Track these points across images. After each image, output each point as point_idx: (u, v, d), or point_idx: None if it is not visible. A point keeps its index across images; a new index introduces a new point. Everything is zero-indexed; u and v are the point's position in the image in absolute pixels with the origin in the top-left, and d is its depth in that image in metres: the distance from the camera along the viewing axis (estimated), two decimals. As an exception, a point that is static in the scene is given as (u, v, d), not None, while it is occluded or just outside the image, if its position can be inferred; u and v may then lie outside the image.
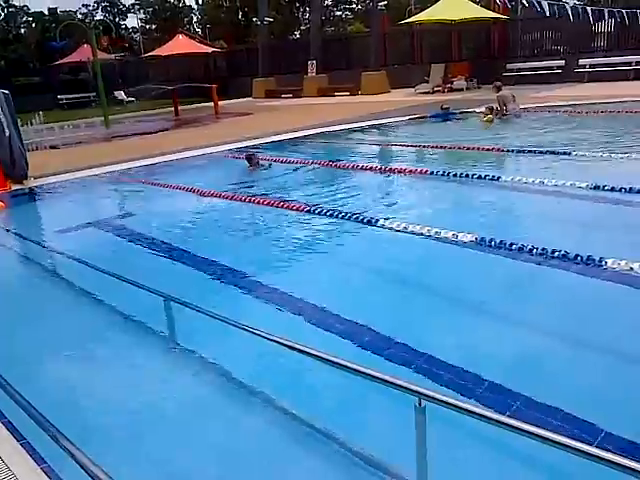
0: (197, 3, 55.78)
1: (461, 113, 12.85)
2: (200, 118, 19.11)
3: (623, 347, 3.14)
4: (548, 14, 13.63)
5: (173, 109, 21.41)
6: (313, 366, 2.82)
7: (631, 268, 3.78)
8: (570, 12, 13.82)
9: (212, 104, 20.00)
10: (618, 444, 2.26)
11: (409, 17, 22.67)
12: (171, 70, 33.21)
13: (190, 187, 7.75)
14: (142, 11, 54.48)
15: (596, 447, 1.71)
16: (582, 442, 1.73)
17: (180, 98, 22.39)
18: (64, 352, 3.58)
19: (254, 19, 29.87)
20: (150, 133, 16.02)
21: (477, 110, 13.13)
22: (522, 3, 14.09)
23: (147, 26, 55.75)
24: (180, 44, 28.59)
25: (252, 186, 7.80)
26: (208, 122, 17.98)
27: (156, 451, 2.61)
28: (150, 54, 32.42)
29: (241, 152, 10.81)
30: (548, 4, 13.67)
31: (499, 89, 12.37)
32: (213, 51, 31.91)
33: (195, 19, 57.67)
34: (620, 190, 5.76)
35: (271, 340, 2.74)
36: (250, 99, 27.39)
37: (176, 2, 55.30)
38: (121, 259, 5.30)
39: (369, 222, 5.43)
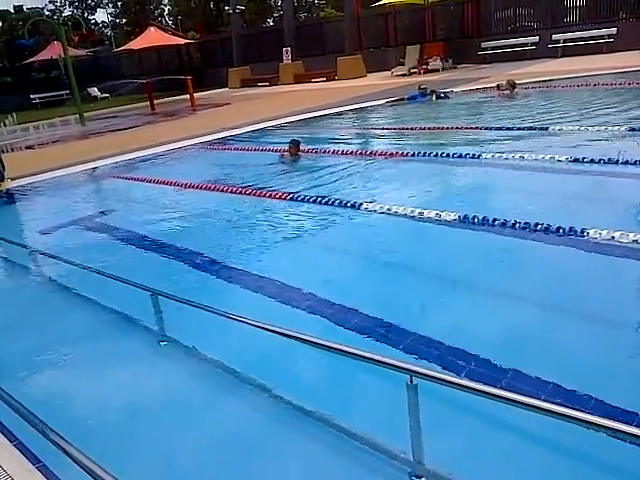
0: (167, -6, 54.99)
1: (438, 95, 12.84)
2: (176, 111, 18.91)
3: (609, 315, 3.18)
4: None
5: (149, 103, 21.15)
6: (304, 351, 2.83)
7: (612, 237, 3.83)
8: None
9: (188, 96, 19.80)
10: (608, 412, 2.29)
11: (382, -1, 22.53)
12: (144, 64, 32.81)
13: (170, 180, 7.68)
14: (111, 5, 53.56)
15: (586, 412, 1.73)
16: (571, 408, 1.75)
17: (155, 92, 22.13)
18: (52, 351, 3.56)
19: (226, 8, 29.51)
20: (127, 128, 15.84)
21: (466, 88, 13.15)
22: None
23: (117, 20, 54.84)
24: (152, 37, 28.20)
25: (232, 176, 7.76)
26: (185, 114, 17.81)
27: (152, 444, 2.60)
28: (122, 48, 31.99)
29: (221, 143, 10.75)
30: None
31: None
32: (186, 42, 31.56)
33: (166, 11, 56.88)
34: (599, 162, 5.83)
35: (260, 327, 2.74)
36: (226, 89, 27.17)
37: (145, -6, 54.43)
38: (105, 256, 5.25)
39: (352, 206, 5.44)
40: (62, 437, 2.20)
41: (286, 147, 8.23)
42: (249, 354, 3.20)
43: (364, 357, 2.26)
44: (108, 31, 52.07)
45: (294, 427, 2.57)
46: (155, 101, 21.37)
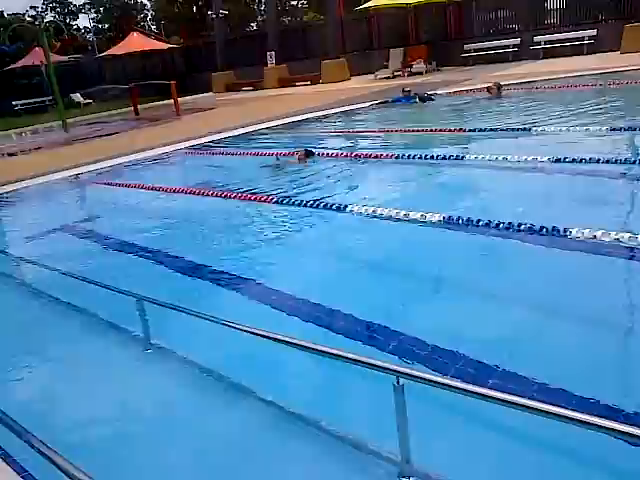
0: (150, 0, 54.81)
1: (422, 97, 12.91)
2: (161, 116, 18.84)
3: (593, 313, 3.22)
4: None
5: (132, 108, 21.05)
6: (292, 355, 2.83)
7: (594, 236, 3.87)
8: None
9: (172, 101, 19.73)
10: (594, 409, 2.31)
11: (365, 3, 22.63)
12: (128, 69, 32.63)
13: (155, 186, 7.65)
14: (93, 10, 53.27)
15: (572, 410, 1.75)
16: (557, 406, 1.77)
17: (139, 97, 22.02)
18: (36, 359, 3.53)
19: (209, 12, 29.47)
20: (111, 134, 15.74)
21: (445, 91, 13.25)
22: None
23: (100, 26, 54.56)
24: (135, 42, 28.10)
25: (218, 180, 7.75)
26: (169, 119, 17.74)
27: (139, 452, 2.59)
28: (105, 54, 31.81)
29: (206, 147, 10.73)
30: None
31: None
32: (169, 47, 31.46)
33: (149, 16, 56.68)
34: (580, 161, 5.90)
35: (247, 332, 2.73)
36: (210, 94, 27.12)
37: (128, 0, 54.24)
38: (90, 262, 5.21)
39: (338, 209, 5.45)
40: (48, 446, 2.18)
41: (296, 151, 8.14)
42: (236, 359, 3.19)
43: (351, 359, 2.27)
44: (91, 37, 51.73)
45: (283, 431, 2.57)
46: (139, 106, 21.27)
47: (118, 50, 28.80)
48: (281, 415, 2.62)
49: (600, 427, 1.69)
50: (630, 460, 2.06)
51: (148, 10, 56.13)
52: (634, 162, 5.84)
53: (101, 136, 15.67)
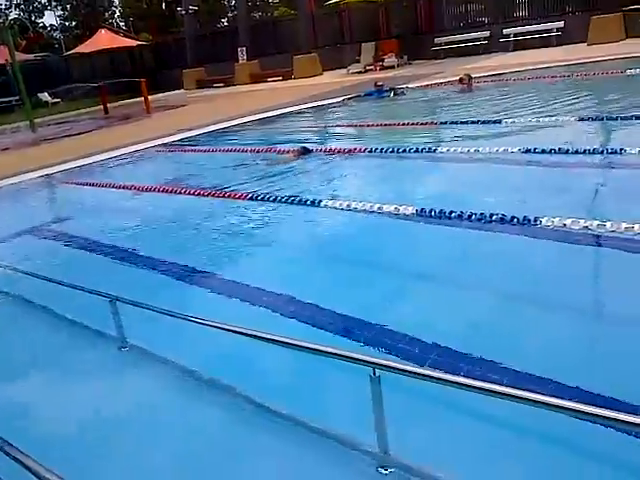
0: (118, -4, 53.89)
1: (395, 89, 12.95)
2: (131, 114, 18.59)
3: (565, 300, 3.27)
4: None
5: (102, 107, 20.73)
6: (268, 350, 2.82)
7: (564, 224, 3.94)
8: None
9: (142, 99, 19.48)
10: (572, 395, 2.34)
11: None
12: (96, 67, 32.12)
13: (127, 184, 7.55)
14: (60, 7, 52.21)
15: (550, 396, 1.77)
16: (533, 392, 1.79)
17: (108, 95, 21.70)
18: (6, 362, 3.46)
19: (178, 9, 29.14)
20: (80, 133, 15.48)
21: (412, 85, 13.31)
22: None
23: (66, 23, 53.50)
24: (103, 39, 27.67)
25: (191, 178, 7.68)
26: (140, 117, 17.53)
27: (117, 453, 2.55)
28: (72, 52, 31.23)
29: (177, 145, 10.63)
30: None
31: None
32: (138, 44, 31.03)
33: (117, 13, 55.76)
34: (550, 152, 5.98)
35: (222, 329, 2.72)
36: (181, 91, 26.86)
37: (95, -4, 53.24)
38: (61, 264, 5.13)
39: (313, 203, 5.44)
40: (21, 451, 2.13)
41: (292, 148, 8.04)
42: (212, 356, 3.17)
43: (327, 352, 2.28)
44: (57, 34, 50.71)
45: (261, 427, 2.56)
46: (109, 105, 20.96)
47: (86, 48, 28.32)
48: (258, 411, 2.62)
49: (574, 411, 1.72)
50: (610, 444, 2.10)
51: (116, 7, 55.21)
52: (602, 152, 5.95)
53: (70, 135, 15.41)
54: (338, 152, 7.76)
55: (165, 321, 3.12)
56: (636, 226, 3.72)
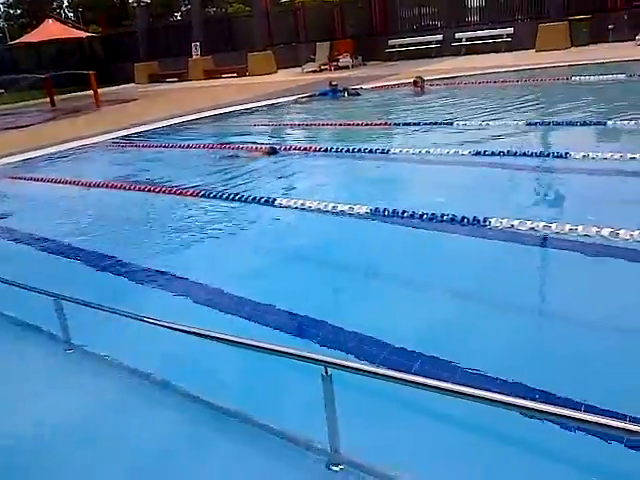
0: (66, -15, 52.23)
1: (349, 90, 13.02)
2: (79, 107, 18.05)
3: (514, 299, 3.36)
4: None
5: (48, 99, 20.04)
6: (219, 350, 2.79)
7: (512, 225, 4.05)
8: None
9: (92, 92, 18.94)
10: (520, 392, 2.40)
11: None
12: (43, 58, 31.06)
13: (74, 180, 7.32)
14: (4, -6, 50.17)
15: (499, 393, 1.81)
16: (483, 390, 1.83)
17: (56, 87, 21.00)
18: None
19: (130, 1, 28.46)
20: (25, 126, 14.92)
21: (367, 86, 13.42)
22: None
23: (11, 11, 51.48)
24: (50, 29, 26.66)
25: (142, 174, 7.51)
26: (89, 111, 17.04)
27: (62, 459, 2.47)
28: (18, 41, 30.03)
29: (128, 140, 10.38)
30: None
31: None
32: (88, 36, 30.08)
33: (65, 2, 54.01)
34: (499, 154, 6.14)
35: (172, 328, 2.67)
36: (133, 85, 26.26)
37: (41, -16, 51.41)
38: (3, 261, 4.93)
39: (267, 202, 5.41)
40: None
41: (260, 146, 7.90)
42: (163, 356, 3.11)
43: (280, 352, 2.26)
44: (1, 23, 48.73)
45: (213, 427, 2.53)
46: (56, 97, 20.29)
47: (32, 37, 27.26)
48: (208, 411, 2.58)
49: (520, 407, 1.77)
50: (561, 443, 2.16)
51: (64, -4, 53.47)
52: (548, 155, 6.15)
53: (14, 128, 14.83)
54: (294, 150, 7.75)
55: (113, 320, 3.04)
56: (580, 227, 3.86)
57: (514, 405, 1.78)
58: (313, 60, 21.82)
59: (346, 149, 7.29)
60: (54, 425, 2.67)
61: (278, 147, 7.87)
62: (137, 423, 2.63)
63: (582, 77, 11.45)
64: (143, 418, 2.67)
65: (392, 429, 2.39)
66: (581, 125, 7.37)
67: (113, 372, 2.99)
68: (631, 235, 3.69)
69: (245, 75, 23.18)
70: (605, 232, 3.75)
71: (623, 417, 2.00)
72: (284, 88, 16.04)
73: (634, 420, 1.76)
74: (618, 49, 16.41)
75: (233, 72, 23.83)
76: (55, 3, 53.11)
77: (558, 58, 15.65)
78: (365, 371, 2.10)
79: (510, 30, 20.39)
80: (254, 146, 8.09)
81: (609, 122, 7.25)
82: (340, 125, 9.62)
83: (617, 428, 1.58)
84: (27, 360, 3.29)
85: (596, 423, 1.62)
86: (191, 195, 6.01)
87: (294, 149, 7.82)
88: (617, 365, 2.66)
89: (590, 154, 5.77)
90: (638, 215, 4.41)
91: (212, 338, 2.53)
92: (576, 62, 14.36)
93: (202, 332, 2.57)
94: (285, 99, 13.59)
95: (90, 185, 7.05)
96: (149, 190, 6.42)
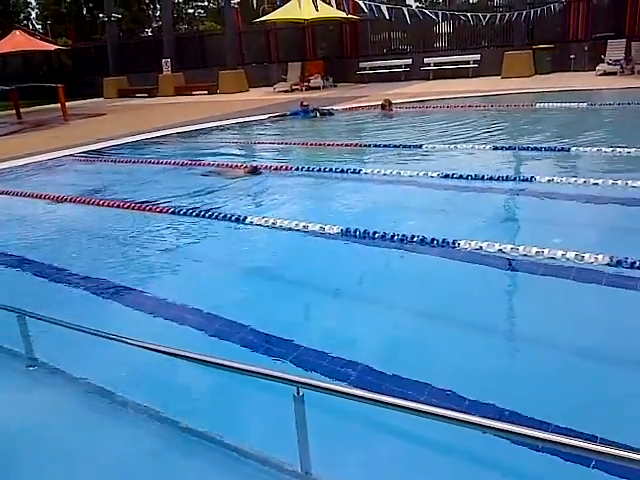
0: (34, -3, 51.61)
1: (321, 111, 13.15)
2: (46, 120, 17.74)
3: (482, 320, 3.40)
4: (387, 17, 14.63)
5: (14, 112, 19.64)
6: (188, 368, 2.75)
7: (480, 247, 4.11)
8: (407, 15, 14.92)
9: (59, 105, 18.65)
10: (488, 412, 2.42)
11: (263, 16, 22.78)
12: (9, 69, 30.60)
13: (38, 193, 7.16)
14: (-30, 4, 49.30)
15: (467, 414, 1.83)
16: (453, 410, 1.84)
17: (22, 100, 20.60)
18: None
19: (100, 15, 28.27)
20: (-11, 138, 14.57)
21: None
22: (362, 8, 14.98)
23: (-23, 21, 50.56)
24: (17, 41, 26.23)
25: (109, 189, 7.40)
26: (56, 124, 16.75)
27: (23, 477, 2.38)
28: (-18, 52, 29.44)
29: (96, 154, 10.23)
30: (387, 8, 14.64)
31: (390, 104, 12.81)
32: (57, 49, 29.70)
33: (34, 14, 53.34)
34: (466, 177, 6.26)
35: (140, 346, 2.61)
36: (102, 99, 25.98)
37: (9, -5, 50.73)
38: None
39: (237, 220, 5.39)
40: None
41: (241, 164, 7.79)
42: (129, 374, 3.04)
43: (250, 371, 2.24)
44: (-34, 32, 47.79)
45: (179, 448, 2.48)
46: (22, 109, 19.90)
47: (-2, 48, 26.80)
48: (175, 431, 2.53)
49: (496, 430, 1.77)
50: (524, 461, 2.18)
51: (32, 8, 52.79)
52: (514, 179, 6.30)
53: (-22, 140, 14.47)
54: (265, 169, 7.75)
55: (77, 337, 2.97)
56: (546, 250, 3.94)
57: (482, 425, 1.80)
58: (284, 80, 21.98)
59: (318, 168, 7.34)
60: (10, 444, 2.59)
61: (259, 166, 7.77)
62: (99, 440, 2.57)
63: (546, 104, 11.81)
64: (106, 436, 2.60)
65: (364, 450, 2.39)
66: (546, 150, 7.58)
67: (76, 389, 2.91)
68: (595, 258, 3.79)
69: (216, 93, 23.18)
70: (570, 255, 3.84)
71: (593, 438, 2.05)
72: (255, 107, 16.09)
73: (603, 441, 1.80)
74: (579, 78, 17.03)
75: (204, 89, 23.81)
76: (23, 15, 52.42)
77: (523, 85, 16.13)
78: (337, 391, 2.09)
79: (477, 57, 20.95)
80: (234, 164, 8.04)
81: (572, 148, 7.49)
82: (311, 145, 9.68)
83: (586, 449, 1.61)
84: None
85: (564, 444, 1.64)
86: (160, 211, 5.94)
87: (264, 168, 7.82)
88: (581, 384, 2.72)
89: (555, 178, 5.94)
90: (601, 238, 4.55)
91: (180, 356, 2.49)
92: (540, 89, 14.84)
93: (170, 350, 2.53)
94: (256, 118, 13.63)
95: (55, 199, 6.90)
96: (116, 205, 6.32)
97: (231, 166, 8.06)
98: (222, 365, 2.32)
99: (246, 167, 7.70)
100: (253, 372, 2.24)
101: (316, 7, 14.19)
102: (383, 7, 14.22)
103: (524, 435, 1.71)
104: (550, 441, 1.68)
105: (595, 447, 1.59)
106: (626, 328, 3.18)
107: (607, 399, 2.60)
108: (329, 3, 15.63)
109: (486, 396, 2.55)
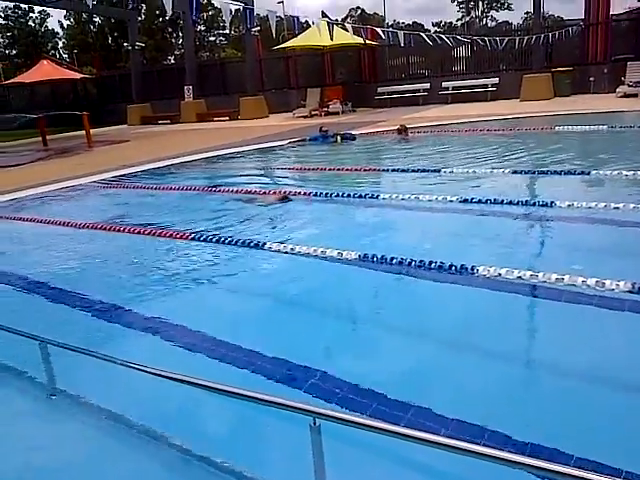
0: (62, 28, 53.29)
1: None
2: (72, 147, 18.17)
3: (502, 348, 3.37)
4: (403, 44, 14.94)
5: (41, 139, 20.16)
6: (207, 398, 2.76)
7: (499, 274, 4.09)
8: (427, 39, 15.20)
9: (84, 132, 19.11)
10: (508, 443, 2.39)
11: (282, 43, 23.19)
12: (37, 98, 31.48)
13: (64, 220, 7.31)
14: (0, 35, 51.04)
15: (488, 447, 1.81)
16: (474, 443, 1.82)
17: (48, 127, 21.17)
18: None
19: (125, 44, 29.05)
20: (16, 165, 14.94)
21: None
22: (379, 35, 15.33)
23: (7, 52, 52.27)
24: (45, 70, 27.10)
25: (133, 215, 7.53)
26: (80, 151, 17.15)
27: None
28: (12, 81, 30.43)
29: (119, 180, 10.43)
30: (404, 34, 14.91)
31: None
32: (82, 77, 30.56)
33: (61, 44, 55.00)
34: (485, 202, 6.24)
35: (159, 375, 2.64)
36: (125, 126, 26.54)
37: (38, 27, 52.45)
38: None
39: (257, 246, 5.43)
40: None
41: (270, 190, 7.73)
42: (149, 404, 3.06)
43: (266, 401, 2.25)
44: (-3, 63, 49.38)
45: (197, 477, 2.48)
46: (48, 137, 20.42)
47: (26, 78, 27.68)
48: (193, 461, 2.54)
49: (512, 462, 1.74)
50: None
51: (60, 38, 54.48)
52: (534, 203, 6.26)
53: (5, 167, 14.85)
54: (287, 194, 7.81)
55: (100, 366, 3.00)
56: (566, 277, 3.90)
57: (504, 459, 1.76)
58: (304, 106, 22.25)
59: (336, 194, 7.37)
60: (35, 467, 2.62)
61: (288, 192, 7.63)
62: (120, 471, 2.58)
63: (565, 127, 11.76)
64: (125, 465, 2.62)
65: (381, 482, 2.36)
66: (566, 174, 7.53)
67: (98, 419, 2.93)
68: (617, 285, 3.74)
69: (237, 119, 23.56)
70: (591, 282, 3.80)
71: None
72: (275, 132, 16.29)
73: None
74: (599, 100, 16.95)
75: (225, 115, 24.21)
76: (50, 44, 54.06)
77: (542, 108, 16.10)
78: (355, 422, 2.08)
79: (495, 80, 21.02)
80: (265, 190, 8.08)
81: (593, 172, 7.43)
82: (330, 170, 9.76)
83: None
84: (8, 407, 3.23)
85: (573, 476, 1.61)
86: (181, 238, 6.02)
87: (288, 193, 7.89)
88: (599, 415, 2.67)
89: (575, 203, 5.89)
90: (623, 264, 4.49)
91: (198, 385, 2.51)
92: (559, 112, 14.79)
93: (188, 379, 2.54)
94: (276, 143, 13.79)
95: (79, 226, 7.04)
96: (140, 232, 6.42)
97: (259, 192, 8.14)
98: (238, 394, 2.33)
99: (276, 193, 7.66)
100: (269, 402, 2.24)
101: (331, 37, 14.43)
102: (400, 34, 14.42)
103: (543, 469, 1.68)
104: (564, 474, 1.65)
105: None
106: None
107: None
108: (346, 29, 15.91)
109: (508, 429, 2.50)
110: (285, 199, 7.47)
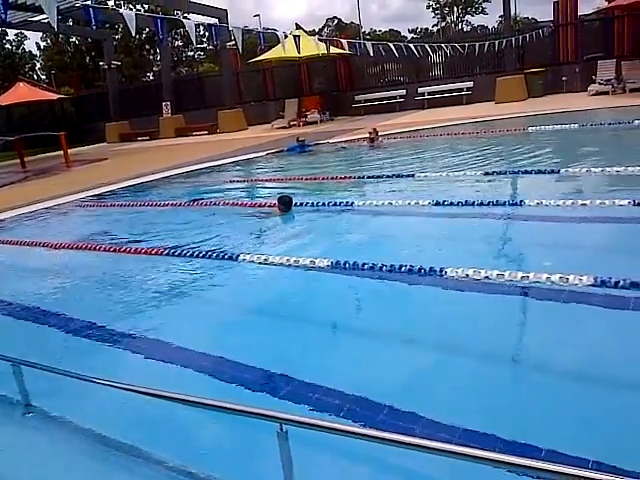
0: (39, 49, 53.09)
1: (316, 145, 13.39)
2: (50, 168, 18.09)
3: (472, 348, 3.42)
4: (372, 54, 15.34)
5: (19, 160, 20.04)
6: (177, 410, 2.79)
7: (467, 275, 4.17)
8: (395, 51, 15.60)
9: (62, 152, 19.04)
10: (495, 445, 2.42)
11: (260, 55, 23.30)
12: (13, 119, 31.32)
13: (41, 241, 7.30)
14: (-26, 59, 50.66)
15: (467, 447, 1.83)
16: (454, 444, 1.86)
17: (26, 148, 21.04)
18: None
19: (101, 63, 29.04)
20: (-6, 188, 14.85)
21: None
22: (351, 46, 15.70)
23: (-18, 74, 51.90)
24: (21, 92, 26.94)
25: (112, 233, 7.53)
26: (58, 171, 17.09)
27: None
28: (-13, 104, 30.18)
29: (97, 199, 10.42)
30: (372, 44, 15.25)
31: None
32: (59, 97, 30.44)
33: (38, 65, 54.74)
34: (457, 204, 6.34)
35: (132, 391, 2.67)
36: (104, 144, 26.49)
37: (15, 49, 52.20)
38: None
39: (230, 258, 5.48)
40: None
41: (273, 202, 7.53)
42: (124, 420, 3.08)
43: (231, 409, 2.28)
44: (-29, 86, 49.01)
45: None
46: (26, 158, 20.30)
47: (2, 100, 27.49)
48: (171, 473, 2.57)
49: (498, 462, 1.76)
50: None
51: (37, 60, 54.23)
52: (504, 204, 6.37)
53: (-17, 190, 14.74)
54: (258, 206, 7.87)
55: (74, 384, 3.02)
56: (531, 274, 4.00)
57: (472, 456, 1.79)
58: (282, 117, 22.36)
59: (311, 203, 7.43)
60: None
61: (289, 200, 7.25)
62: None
63: (538, 127, 11.96)
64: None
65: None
66: (536, 173, 7.68)
67: (73, 436, 2.95)
68: (580, 279, 3.83)
69: (216, 132, 23.61)
70: (555, 278, 3.89)
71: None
72: (254, 144, 16.36)
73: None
74: (572, 99, 17.25)
75: (204, 130, 24.26)
76: (28, 66, 53.77)
77: (516, 109, 16.35)
78: (322, 427, 2.09)
79: (470, 84, 21.31)
80: (265, 202, 8.04)
81: (562, 170, 7.58)
82: (306, 179, 9.83)
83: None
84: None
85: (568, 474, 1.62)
86: (157, 254, 6.03)
87: (259, 205, 7.95)
88: (573, 410, 2.73)
89: (543, 201, 6.01)
90: (589, 259, 4.60)
91: (171, 399, 2.54)
92: (532, 112, 15.03)
93: (163, 393, 2.56)
94: (254, 155, 13.87)
95: (59, 246, 7.03)
96: (116, 250, 6.43)
97: (238, 204, 8.17)
98: (204, 404, 2.37)
99: (277, 206, 7.30)
100: (235, 410, 2.27)
101: (299, 50, 14.76)
102: (369, 44, 14.65)
103: (528, 467, 1.70)
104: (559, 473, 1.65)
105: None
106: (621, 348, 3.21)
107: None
108: (316, 41, 16.13)
109: (494, 429, 2.51)
110: (285, 210, 7.23)
